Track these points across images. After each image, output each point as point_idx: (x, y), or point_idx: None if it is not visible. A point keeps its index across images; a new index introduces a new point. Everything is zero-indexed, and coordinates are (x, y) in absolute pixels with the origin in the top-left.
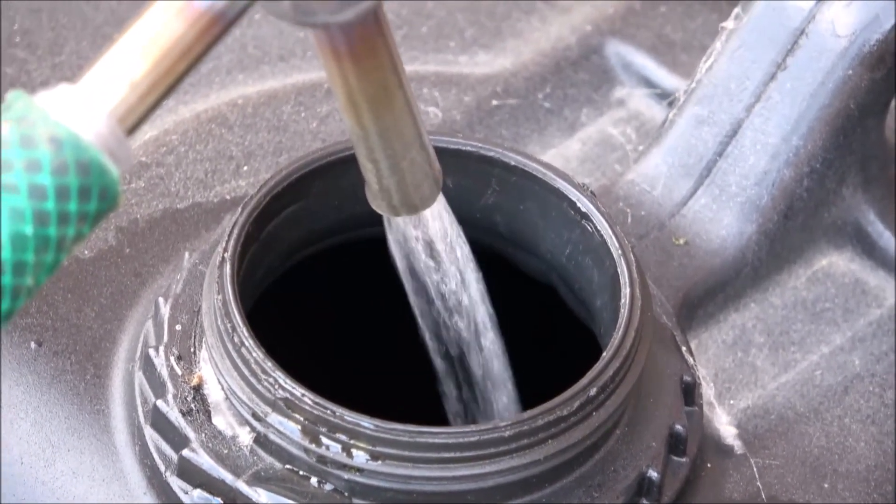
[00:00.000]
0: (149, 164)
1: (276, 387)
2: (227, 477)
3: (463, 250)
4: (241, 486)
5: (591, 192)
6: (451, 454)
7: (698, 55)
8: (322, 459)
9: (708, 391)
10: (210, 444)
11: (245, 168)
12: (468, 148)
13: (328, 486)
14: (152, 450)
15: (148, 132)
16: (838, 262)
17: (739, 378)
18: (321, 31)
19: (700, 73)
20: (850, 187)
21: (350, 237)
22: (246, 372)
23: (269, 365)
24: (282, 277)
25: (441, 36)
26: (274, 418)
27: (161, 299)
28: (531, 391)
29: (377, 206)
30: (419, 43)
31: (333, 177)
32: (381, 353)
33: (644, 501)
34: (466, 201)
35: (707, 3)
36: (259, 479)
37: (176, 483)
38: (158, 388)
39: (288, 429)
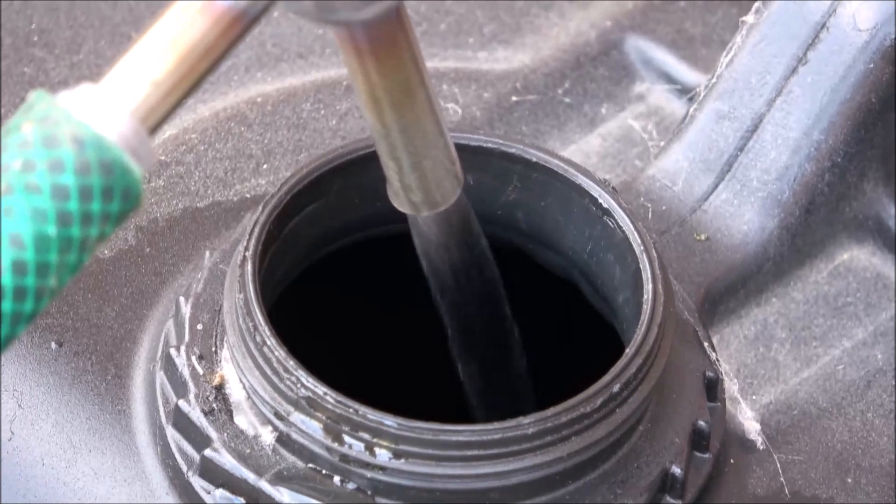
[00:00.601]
0: (168, 163)
1: (299, 385)
2: (250, 476)
3: (484, 246)
4: (264, 485)
5: (613, 187)
6: (475, 452)
7: (718, 50)
8: (345, 458)
9: (731, 386)
10: (232, 444)
11: (265, 166)
12: (489, 145)
13: (351, 485)
14: (174, 450)
15: (167, 131)
16: (859, 257)
17: (761, 373)
18: (343, 29)
19: (720, 67)
20: (871, 181)
21: (371, 234)
22: (268, 371)
23: (291, 364)
24: (302, 275)
25: (460, 32)
26: (296, 417)
27: (182, 298)
28: (554, 388)
29: (399, 203)
30: (438, 39)
31: (354, 174)
32: (403, 352)
33: (668, 498)
34: (488, 198)
35: None
36: (282, 479)
37: (198, 483)
38: (180, 388)
39: (310, 427)
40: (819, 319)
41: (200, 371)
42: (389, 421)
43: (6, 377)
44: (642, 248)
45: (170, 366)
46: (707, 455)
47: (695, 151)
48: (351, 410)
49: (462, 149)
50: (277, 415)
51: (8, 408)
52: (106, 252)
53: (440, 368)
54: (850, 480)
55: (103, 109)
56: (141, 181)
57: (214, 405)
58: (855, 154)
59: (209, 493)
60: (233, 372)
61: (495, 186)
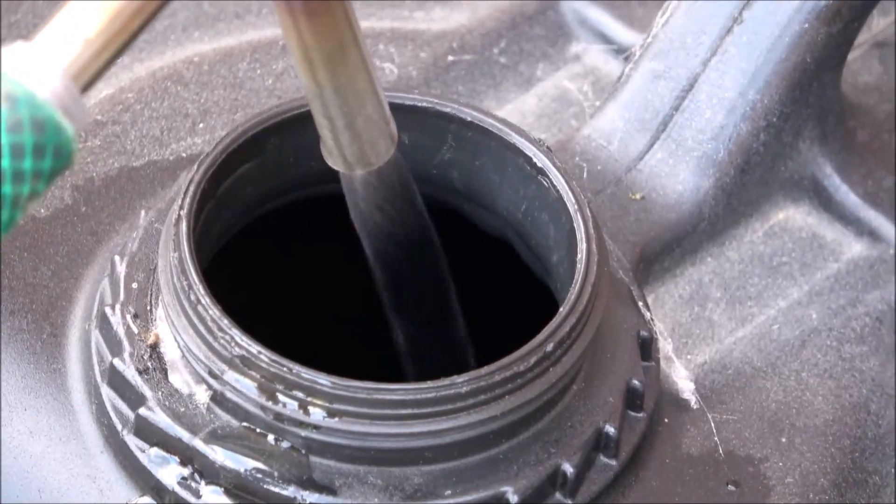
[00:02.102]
0: (104, 123)
1: (233, 344)
2: (184, 435)
3: (418, 205)
4: (198, 443)
5: (548, 147)
6: (409, 411)
7: (655, 9)
8: (279, 417)
9: (665, 346)
10: (167, 403)
11: (201, 125)
12: (424, 104)
13: (285, 444)
14: (109, 408)
15: (103, 90)
16: (795, 216)
17: (696, 333)
18: None
19: (656, 27)
20: (806, 141)
21: (307, 194)
22: (202, 329)
23: (225, 322)
24: (239, 235)
25: None
26: (230, 376)
27: (117, 257)
28: (489, 348)
29: (333, 161)
30: None
31: (289, 133)
32: (340, 312)
33: (601, 456)
34: (423, 158)
35: None
36: (216, 437)
37: (133, 441)
38: (115, 347)
39: (244, 386)
40: (754, 279)
41: (135, 330)
42: (323, 380)
43: None
44: (576, 207)
45: (105, 324)
46: (641, 414)
47: (630, 111)
48: (285, 369)
49: (397, 108)
50: (212, 373)
51: None
52: (42, 211)
53: (379, 329)
54: (784, 440)
55: (35, 67)
56: (74, 139)
57: (149, 364)
58: (790, 114)
59: (144, 451)
60: (167, 331)
61: (430, 146)
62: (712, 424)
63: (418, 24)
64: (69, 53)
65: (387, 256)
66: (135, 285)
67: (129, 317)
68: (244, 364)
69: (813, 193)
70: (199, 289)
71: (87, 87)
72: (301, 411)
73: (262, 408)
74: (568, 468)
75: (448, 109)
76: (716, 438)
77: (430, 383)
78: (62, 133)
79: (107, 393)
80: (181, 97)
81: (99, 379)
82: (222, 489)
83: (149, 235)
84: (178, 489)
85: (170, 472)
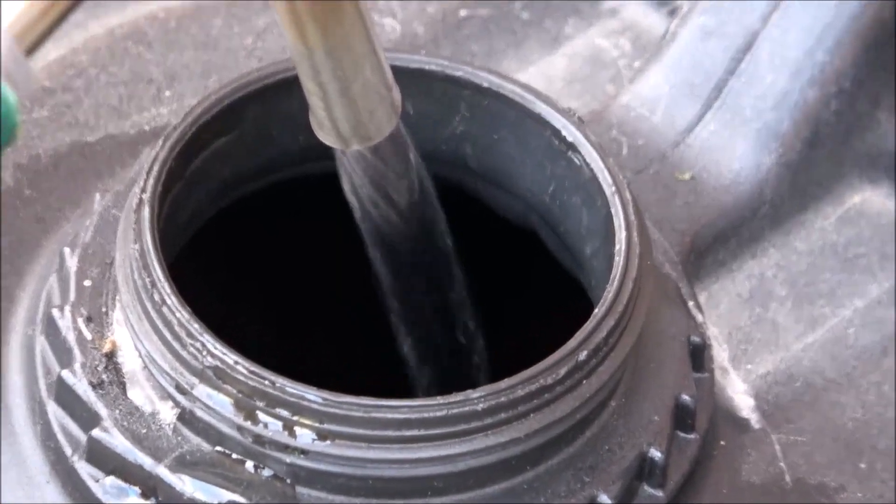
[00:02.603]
0: (53, 90)
1: (204, 353)
2: (146, 461)
3: (426, 189)
4: (163, 472)
5: (579, 117)
6: (414, 432)
7: None
8: (259, 440)
9: (720, 354)
10: (125, 423)
11: (167, 93)
12: (432, 67)
13: (266, 472)
14: (56, 429)
15: (53, 52)
16: (873, 199)
17: (758, 338)
18: None
19: None
20: (885, 111)
21: (292, 174)
22: (168, 335)
23: (195, 327)
24: (212, 223)
25: None
26: (201, 390)
27: (67, 249)
28: (511, 357)
29: (324, 136)
30: None
31: (272, 102)
32: (330, 314)
33: (645, 486)
34: (430, 130)
35: None
36: (184, 464)
37: (85, 469)
38: (64, 356)
39: (218, 403)
40: (826, 274)
41: (88, 335)
42: (312, 395)
43: None
44: (614, 189)
45: (52, 329)
46: (692, 435)
47: (677, 74)
48: (266, 383)
49: (400, 72)
50: (179, 388)
51: None
52: None
53: (375, 335)
54: (863, 466)
55: None
56: (17, 110)
57: (104, 376)
58: (866, 79)
59: (97, 480)
60: (126, 337)
61: (440, 117)
62: (777, 447)
63: None
64: (11, 10)
65: (388, 248)
66: (88, 283)
67: (80, 320)
68: (218, 376)
69: (894, 172)
70: (165, 287)
71: (33, 49)
72: (286, 433)
73: (240, 429)
74: (605, 500)
75: (460, 73)
76: (781, 464)
77: (439, 399)
78: (4, 103)
79: (54, 411)
80: (144, 59)
81: (44, 394)
82: None
83: (105, 223)
84: None
85: None
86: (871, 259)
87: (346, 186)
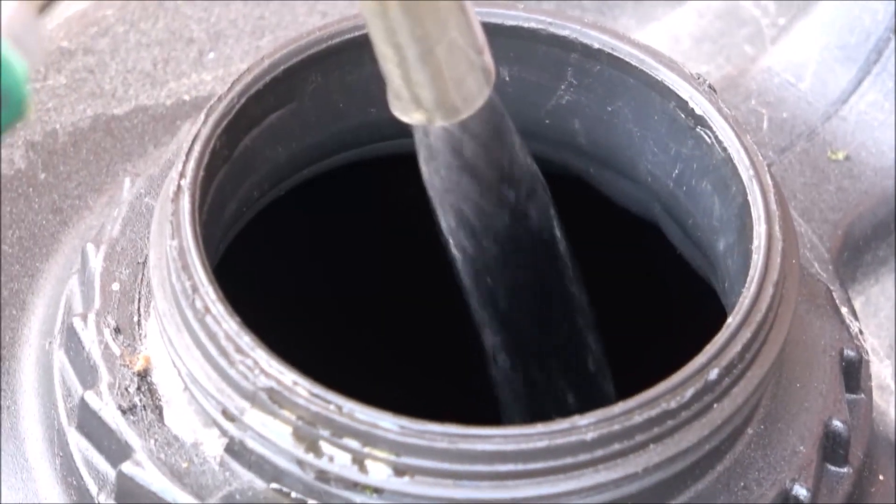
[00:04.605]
0: (73, 52)
1: (257, 371)
2: (188, 501)
3: (527, 173)
4: None
5: (710, 86)
6: (510, 466)
7: None
8: (323, 476)
9: (881, 370)
10: (162, 455)
11: (211, 55)
12: (532, 24)
13: None
14: (79, 463)
15: (72, 5)
16: None
17: None
18: None
19: None
20: None
21: (361, 155)
22: (213, 350)
23: (246, 340)
24: (263, 215)
25: None
26: (254, 417)
27: (91, 246)
28: (627, 374)
29: (402, 111)
30: None
31: (338, 69)
32: (404, 324)
33: None
34: (531, 102)
35: None
36: None
37: None
38: (88, 375)
39: (274, 432)
40: None
41: (117, 350)
42: (388, 422)
43: None
44: (752, 172)
45: (73, 342)
46: (845, 469)
47: (829, 34)
48: (332, 407)
49: (494, 30)
50: (227, 414)
51: None
52: None
53: (458, 347)
54: None
55: None
56: (26, 79)
57: (136, 399)
58: None
59: None
60: (163, 352)
61: (542, 85)
62: None
63: None
64: None
65: (478, 244)
66: (116, 286)
67: (107, 331)
68: (273, 400)
69: None
70: (209, 292)
71: (44, 6)
72: (356, 467)
73: (300, 462)
74: None
75: (566, 32)
76: None
77: (540, 427)
78: (10, 72)
79: (76, 441)
80: (182, 14)
81: (65, 421)
82: None
83: (136, 215)
84: None
85: None
86: None
87: (427, 171)
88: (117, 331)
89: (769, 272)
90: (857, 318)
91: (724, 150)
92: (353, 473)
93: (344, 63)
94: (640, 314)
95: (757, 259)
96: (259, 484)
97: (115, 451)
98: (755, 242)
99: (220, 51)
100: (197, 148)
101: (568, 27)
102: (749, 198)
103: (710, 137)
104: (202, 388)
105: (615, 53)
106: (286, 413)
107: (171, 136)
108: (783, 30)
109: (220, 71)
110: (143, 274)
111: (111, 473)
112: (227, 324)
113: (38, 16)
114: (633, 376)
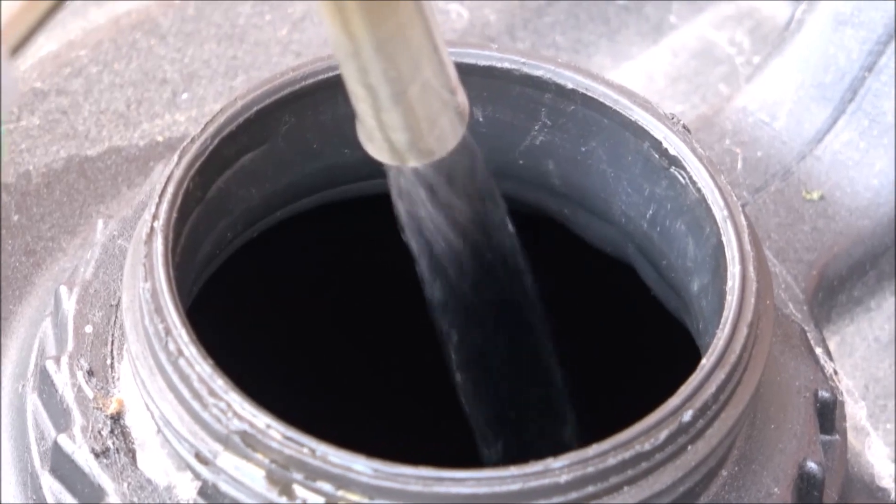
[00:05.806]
0: (46, 93)
1: (230, 414)
2: None
3: (499, 213)
4: None
5: (684, 125)
6: None
7: None
8: None
9: (856, 411)
10: (135, 499)
11: (184, 96)
12: (506, 64)
13: None
14: None
15: (45, 46)
16: None
17: None
18: None
19: None
20: None
21: (335, 196)
22: (186, 393)
23: (219, 383)
24: (237, 256)
25: None
26: (227, 460)
27: (64, 288)
28: (601, 414)
29: (375, 151)
30: None
31: (311, 109)
32: (379, 365)
33: None
34: (505, 142)
35: None
36: None
37: None
38: (61, 418)
39: (247, 475)
40: None
41: (90, 393)
42: (361, 465)
43: None
44: (726, 213)
45: (46, 385)
46: None
47: (804, 72)
48: (305, 450)
49: (467, 70)
50: (200, 457)
51: None
52: None
53: (433, 388)
54: None
55: None
56: None
57: (109, 442)
58: None
59: None
60: (136, 395)
61: (516, 125)
62: None
63: None
64: None
65: (451, 284)
66: (89, 329)
67: (80, 374)
68: (246, 443)
69: None
70: (182, 334)
71: (18, 47)
72: None
73: None
74: None
75: (541, 73)
76: None
77: (513, 469)
78: None
79: (49, 484)
80: (156, 55)
81: (38, 464)
82: None
83: (109, 257)
84: None
85: None
86: None
87: (402, 211)
88: (90, 373)
89: (743, 313)
90: (831, 359)
91: (699, 190)
92: None
93: (318, 103)
94: (614, 355)
95: (731, 300)
96: None
97: (89, 494)
98: (729, 283)
99: (194, 91)
100: (170, 189)
101: (542, 67)
102: (723, 238)
103: (684, 178)
104: (175, 431)
105: (589, 94)
106: (259, 456)
107: (145, 178)
108: (758, 68)
109: (194, 111)
110: (116, 316)
111: None
112: (201, 367)
113: (11, 57)
114: (607, 417)
